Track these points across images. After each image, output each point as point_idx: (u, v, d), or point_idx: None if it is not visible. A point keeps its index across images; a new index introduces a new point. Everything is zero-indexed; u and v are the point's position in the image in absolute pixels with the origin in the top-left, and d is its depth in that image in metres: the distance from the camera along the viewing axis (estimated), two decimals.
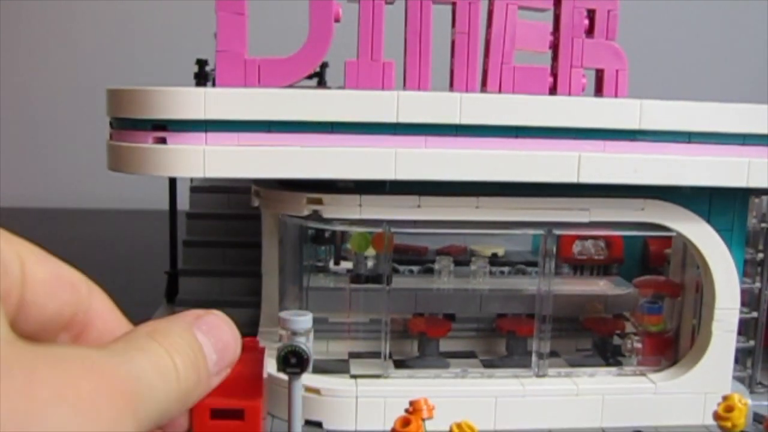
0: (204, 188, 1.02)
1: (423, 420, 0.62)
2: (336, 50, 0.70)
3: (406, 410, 0.63)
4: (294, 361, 0.58)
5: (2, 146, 1.17)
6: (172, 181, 0.99)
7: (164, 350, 0.26)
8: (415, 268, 0.98)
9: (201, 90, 0.66)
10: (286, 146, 0.66)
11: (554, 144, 0.68)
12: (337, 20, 0.69)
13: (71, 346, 0.27)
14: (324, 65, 0.97)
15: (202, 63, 0.96)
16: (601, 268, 1.01)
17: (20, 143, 1.22)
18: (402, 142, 0.67)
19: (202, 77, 0.95)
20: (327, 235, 0.92)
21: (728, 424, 0.62)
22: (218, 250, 1.01)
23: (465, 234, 0.95)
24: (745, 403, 0.64)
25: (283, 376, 0.59)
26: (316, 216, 0.73)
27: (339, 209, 0.72)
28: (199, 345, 0.29)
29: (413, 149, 0.67)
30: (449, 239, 1.00)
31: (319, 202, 0.72)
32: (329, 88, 0.81)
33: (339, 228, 0.78)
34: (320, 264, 0.96)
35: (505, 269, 0.99)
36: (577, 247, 1.01)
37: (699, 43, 1.31)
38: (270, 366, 0.62)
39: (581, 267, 1.01)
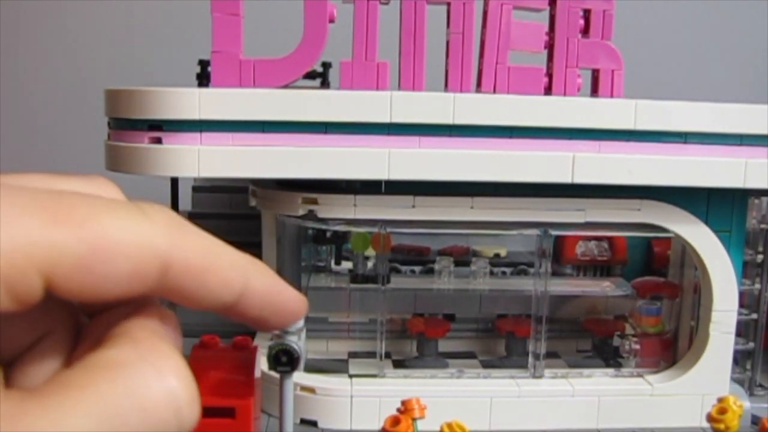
0: (206, 188, 1.02)
1: (414, 420, 0.62)
2: (332, 51, 0.70)
3: (398, 410, 0.64)
4: (285, 359, 0.58)
5: (2, 146, 1.18)
6: (174, 181, 0.99)
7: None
8: (416, 269, 0.98)
9: (196, 90, 0.66)
10: (280, 146, 0.66)
11: (548, 144, 0.68)
12: (331, 21, 0.69)
13: None
14: (327, 65, 0.97)
15: (204, 64, 0.96)
16: (604, 270, 1.01)
17: (20, 143, 1.23)
18: (395, 143, 0.67)
19: (205, 78, 0.96)
20: (328, 235, 0.92)
21: (721, 426, 0.62)
22: None
23: (464, 234, 0.95)
24: (740, 405, 0.64)
25: (278, 375, 0.60)
26: (311, 216, 0.73)
27: (334, 209, 0.73)
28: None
29: (407, 149, 0.67)
30: (451, 239, 1.00)
31: (314, 202, 0.72)
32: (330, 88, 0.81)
33: (334, 228, 0.78)
34: (321, 264, 0.96)
35: (507, 270, 0.99)
36: (580, 248, 1.01)
37: (696, 43, 1.30)
38: (264, 364, 0.62)
39: (584, 268, 1.01)
